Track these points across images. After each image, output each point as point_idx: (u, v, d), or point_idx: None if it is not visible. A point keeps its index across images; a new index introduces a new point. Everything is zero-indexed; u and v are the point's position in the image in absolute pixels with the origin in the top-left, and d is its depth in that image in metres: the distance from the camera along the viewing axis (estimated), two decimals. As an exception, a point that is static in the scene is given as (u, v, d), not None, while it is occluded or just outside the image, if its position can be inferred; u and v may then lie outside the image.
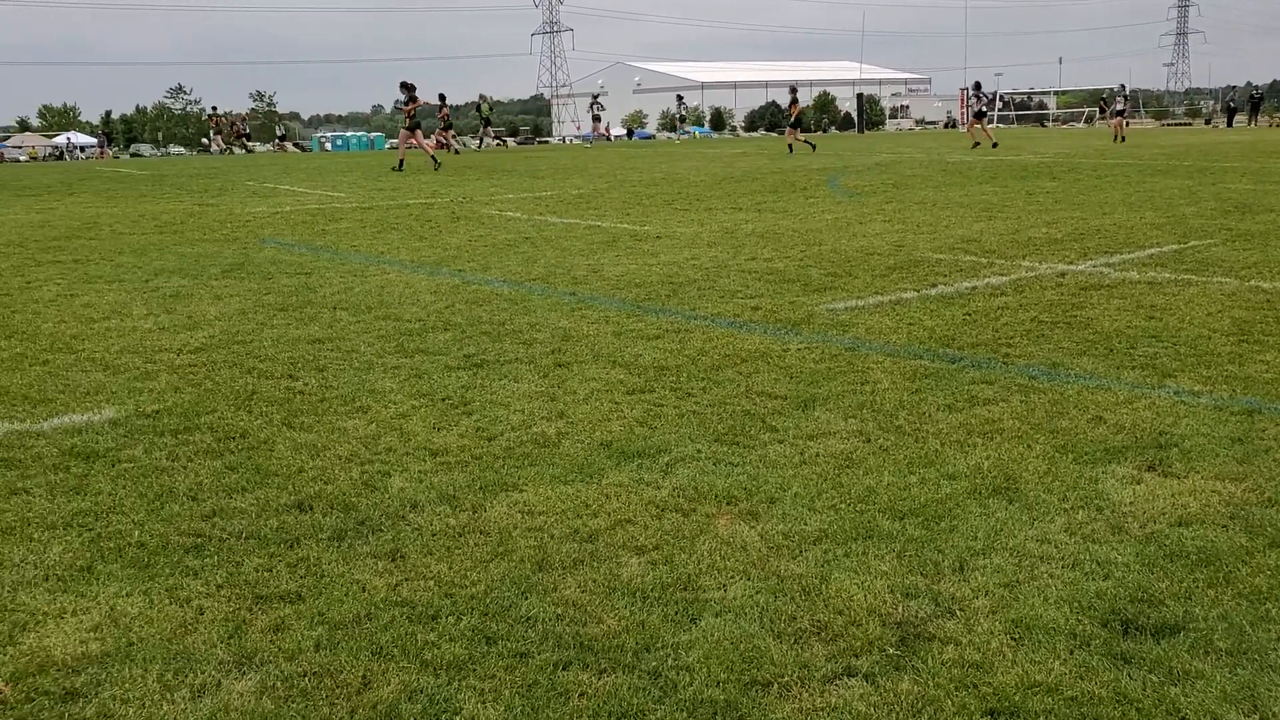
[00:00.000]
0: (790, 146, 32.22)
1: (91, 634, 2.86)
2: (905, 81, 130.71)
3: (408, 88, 26.11)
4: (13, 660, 2.74)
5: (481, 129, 44.32)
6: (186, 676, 2.65)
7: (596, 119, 54.71)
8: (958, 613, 2.89)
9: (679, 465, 4.08)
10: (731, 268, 8.86)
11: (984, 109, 34.20)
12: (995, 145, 31.33)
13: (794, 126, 33.63)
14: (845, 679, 2.59)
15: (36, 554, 3.38)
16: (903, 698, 2.50)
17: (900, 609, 2.91)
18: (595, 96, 59.29)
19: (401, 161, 26.39)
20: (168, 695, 2.57)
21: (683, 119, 63.34)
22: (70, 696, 2.57)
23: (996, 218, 12.18)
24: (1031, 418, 4.57)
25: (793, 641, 2.76)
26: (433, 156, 26.94)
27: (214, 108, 52.19)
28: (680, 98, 63.39)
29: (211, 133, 50.72)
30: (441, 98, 36.35)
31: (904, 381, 5.19)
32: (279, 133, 58.77)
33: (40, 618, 2.96)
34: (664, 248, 10.27)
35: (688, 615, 2.90)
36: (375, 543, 3.43)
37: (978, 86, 34.55)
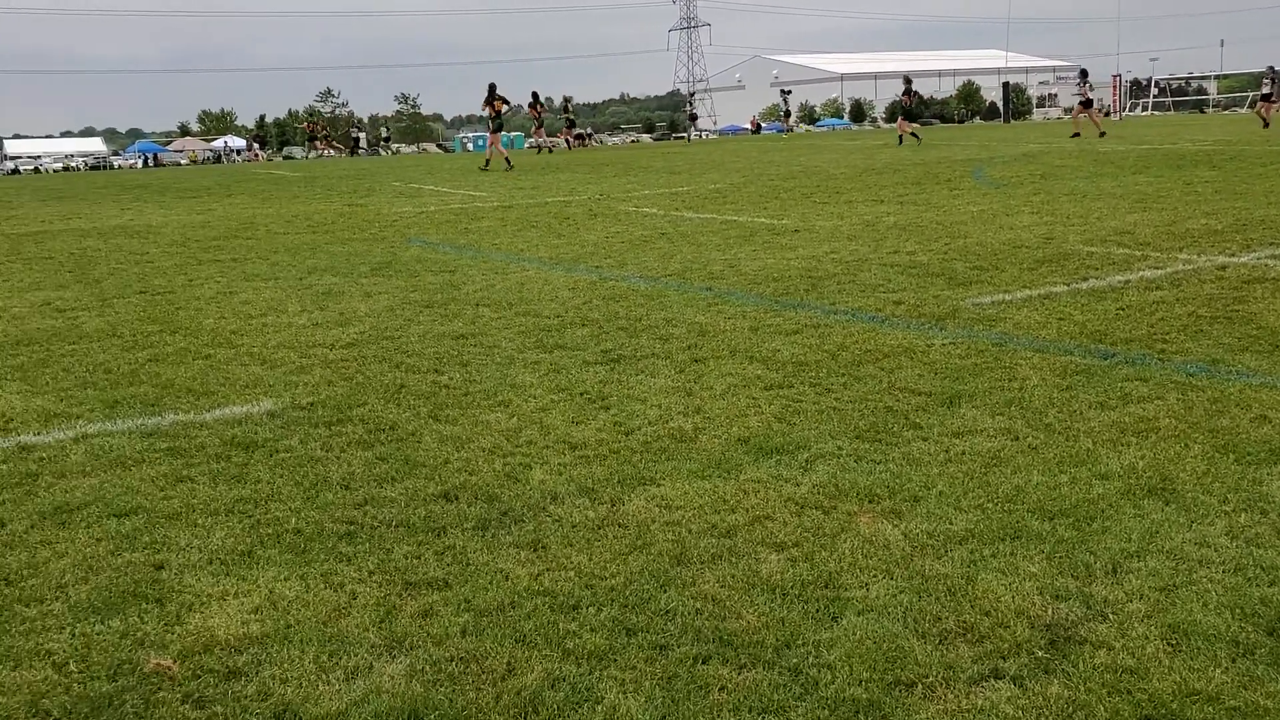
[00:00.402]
0: (900, 137, 31.77)
1: (252, 616, 2.99)
2: (1053, 69, 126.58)
3: (490, 89, 27.14)
4: (180, 639, 2.88)
5: (565, 130, 45.27)
6: (340, 658, 2.75)
7: (694, 118, 56.84)
8: (1110, 616, 2.79)
9: (819, 462, 4.04)
10: (872, 261, 8.73)
11: (1091, 97, 33.31)
12: (1102, 134, 30.20)
13: (905, 117, 33.10)
14: (992, 681, 2.53)
15: (201, 539, 3.55)
16: (1052, 702, 2.43)
17: (1050, 611, 2.83)
18: (690, 98, 60.92)
19: (488, 161, 27.51)
20: (323, 676, 2.67)
21: (787, 113, 61.08)
22: (233, 675, 2.70)
23: (1151, 209, 11.69)
24: (1189, 416, 4.38)
25: (937, 642, 2.71)
26: (506, 159, 27.66)
27: (310, 114, 53.88)
28: (786, 91, 61.75)
29: (308, 139, 52.59)
30: (535, 95, 37.09)
31: (1054, 378, 5.03)
32: (382, 134, 60.50)
33: (205, 599, 3.11)
34: (802, 241, 10.18)
35: (829, 613, 2.88)
36: (518, 533, 3.50)
37: (1084, 74, 33.57)
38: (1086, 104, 32.62)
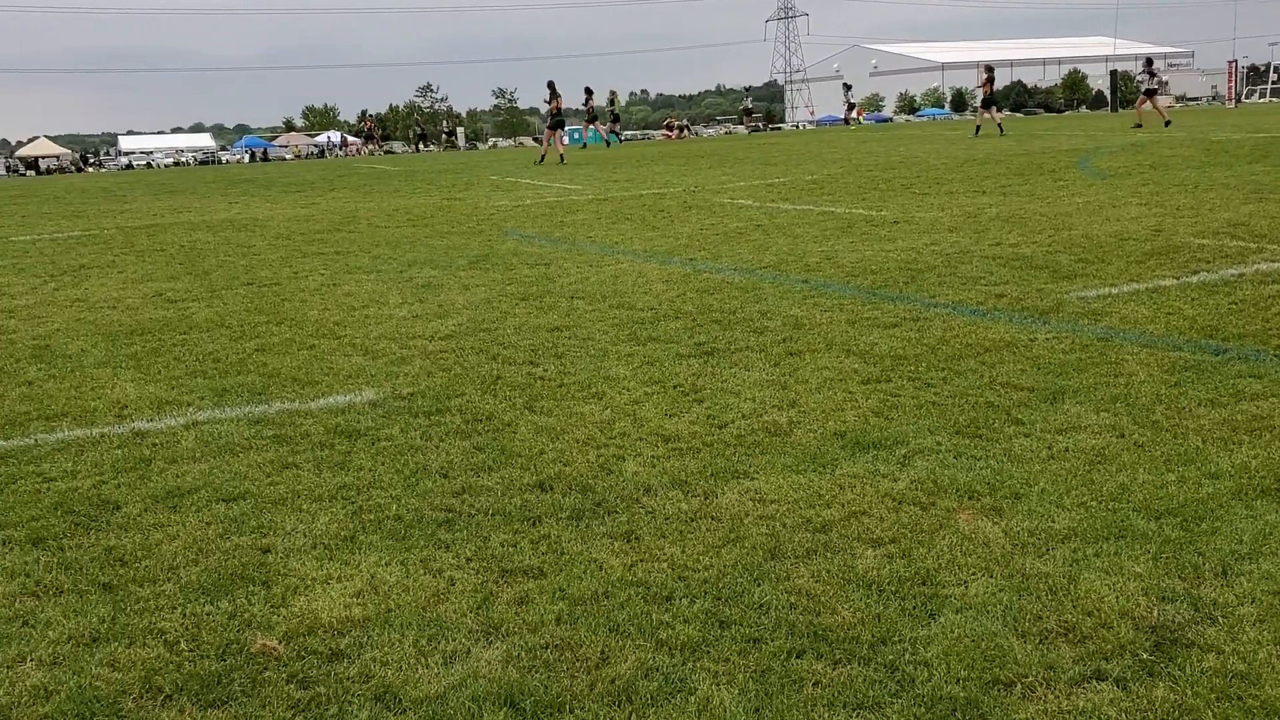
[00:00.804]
0: (978, 128, 31.22)
1: (354, 600, 3.07)
2: (1164, 55, 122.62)
3: (550, 87, 28.36)
4: (285, 621, 2.97)
5: (610, 124, 45.47)
6: (439, 643, 2.80)
7: (749, 112, 57.60)
8: (1220, 619, 2.70)
9: (917, 457, 3.99)
10: (974, 253, 8.57)
11: (1155, 86, 32.24)
12: (1168, 124, 29.34)
13: (985, 106, 32.39)
14: (1094, 682, 2.47)
15: (305, 524, 3.65)
16: (1157, 705, 2.36)
17: (1155, 613, 2.75)
18: (747, 94, 62.00)
19: (543, 156, 28.43)
20: (422, 660, 2.73)
21: (851, 105, 59.44)
22: (335, 656, 2.77)
23: (1268, 199, 11.26)
24: (1308, 414, 4.21)
25: (1038, 641, 2.66)
26: (561, 155, 28.50)
27: (365, 114, 54.03)
28: (847, 85, 60.58)
29: (365, 137, 53.31)
30: (588, 91, 37.56)
31: (1162, 374, 4.88)
32: (445, 129, 61.36)
33: (309, 583, 3.20)
34: (902, 233, 10.04)
35: (926, 610, 2.84)
36: (611, 523, 3.53)
37: (1149, 62, 32.36)
38: (1150, 93, 31.69)
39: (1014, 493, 3.59)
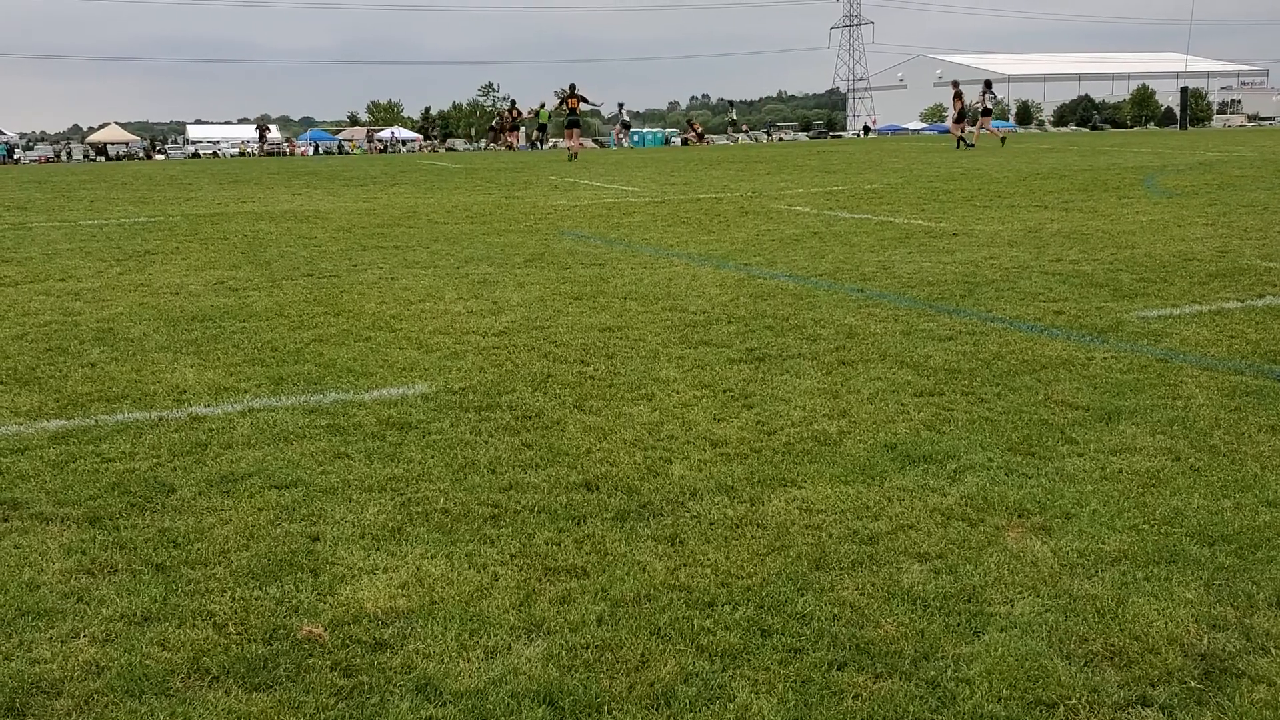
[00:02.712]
0: (959, 142, 32.55)
1: (400, 591, 3.10)
2: (1237, 74, 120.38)
3: (570, 88, 32.21)
4: (331, 609, 3.01)
5: (618, 131, 47.10)
6: (481, 638, 2.82)
7: (733, 123, 57.43)
8: (1273, 650, 2.65)
9: (968, 473, 3.95)
10: (1034, 268, 8.46)
11: (990, 107, 34.70)
12: (970, 146, 31.13)
13: (958, 121, 33.74)
14: (1139, 708, 2.44)
15: (355, 514, 3.70)
16: (1205, 736, 2.32)
17: (1205, 640, 2.70)
18: (731, 106, 63.37)
19: (574, 154, 31.56)
20: (464, 654, 2.75)
21: (970, 111, 58.61)
22: (379, 646, 2.80)
23: (1340, 223, 11.01)
24: (1373, 445, 4.11)
25: (1083, 664, 2.62)
26: (575, 153, 31.92)
27: (513, 102, 53.08)
28: (987, 87, 59.94)
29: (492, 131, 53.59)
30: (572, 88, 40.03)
31: (1221, 398, 4.80)
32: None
33: (356, 572, 3.24)
34: (960, 245, 9.94)
35: (970, 627, 2.81)
36: (656, 526, 3.53)
37: (987, 85, 34.21)
38: (986, 113, 34.16)
39: (1065, 512, 3.55)
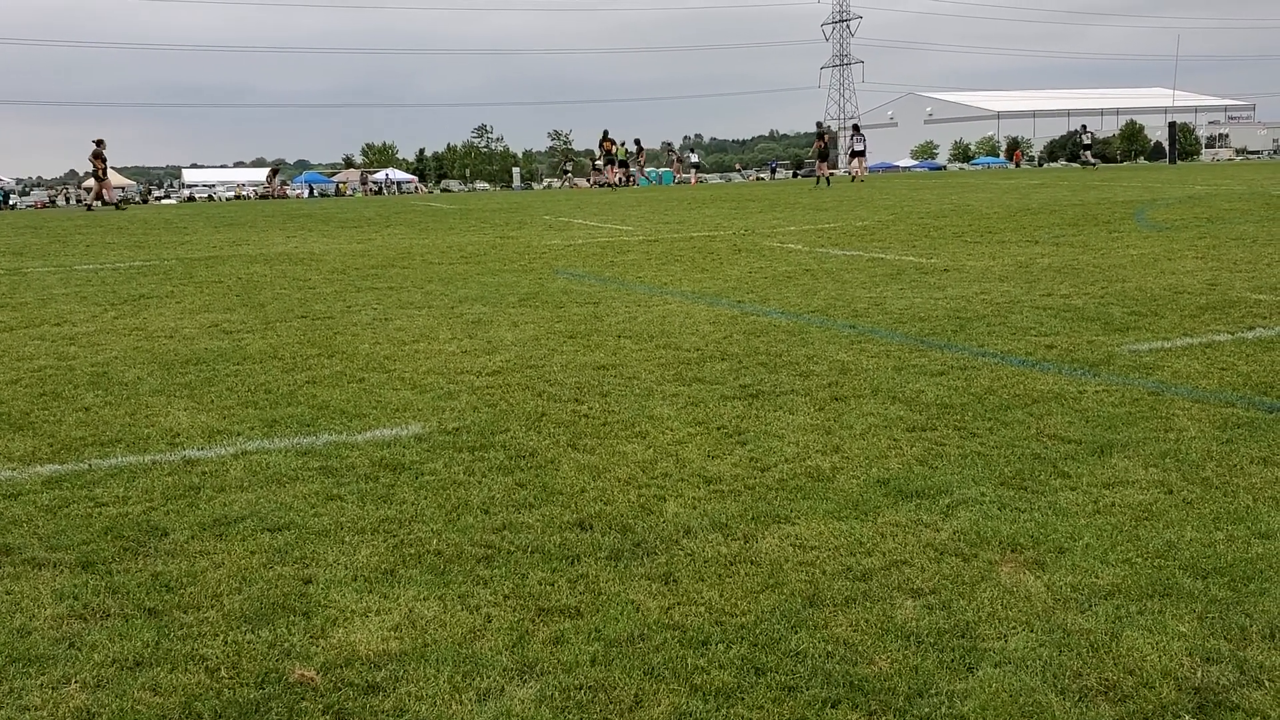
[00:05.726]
0: (818, 179, 36.50)
1: (392, 633, 3.09)
2: (1224, 108, 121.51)
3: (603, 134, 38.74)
4: (323, 652, 3.00)
5: (677, 168, 49.21)
6: (474, 679, 2.81)
7: (692, 164, 56.07)
8: (1266, 684, 2.65)
9: (960, 507, 3.96)
10: (1025, 303, 8.50)
11: (861, 149, 39.96)
12: (826, 184, 34.83)
13: (821, 159, 37.91)
14: (1135, 744, 2.43)
15: (347, 556, 3.69)
16: (1200, 771, 2.32)
17: (1199, 674, 2.70)
18: (670, 146, 64.72)
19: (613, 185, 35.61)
20: (456, 696, 2.74)
21: (821, 157, 57.23)
22: (371, 689, 2.79)
23: (1328, 254, 11.08)
24: (1364, 476, 4.12)
25: (1077, 699, 2.62)
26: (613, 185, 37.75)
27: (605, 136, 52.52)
28: (823, 134, 59.72)
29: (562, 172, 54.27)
30: (604, 134, 44.75)
31: (1213, 430, 4.81)
32: (565, 167, 62.74)
33: (348, 615, 3.23)
34: (951, 281, 9.99)
35: (964, 663, 2.81)
36: (650, 565, 3.53)
37: (856, 129, 40.60)
38: (858, 154, 39.69)
39: (1058, 546, 3.55)
